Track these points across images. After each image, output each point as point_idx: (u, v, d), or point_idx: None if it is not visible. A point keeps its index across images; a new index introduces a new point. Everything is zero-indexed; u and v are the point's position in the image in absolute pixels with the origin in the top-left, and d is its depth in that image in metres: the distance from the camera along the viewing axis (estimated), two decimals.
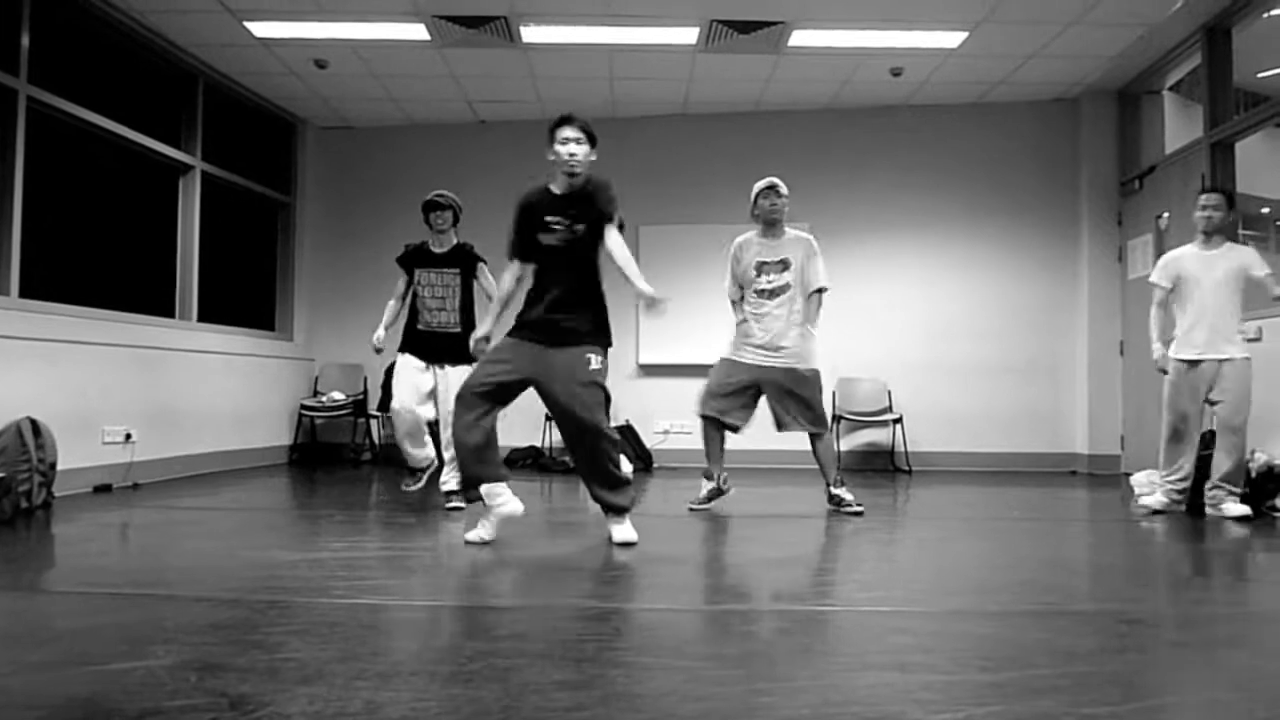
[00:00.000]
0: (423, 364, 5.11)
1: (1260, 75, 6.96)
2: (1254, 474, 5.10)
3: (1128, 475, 6.44)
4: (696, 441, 7.99)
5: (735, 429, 5.07)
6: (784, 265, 5.03)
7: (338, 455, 8.44)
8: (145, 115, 6.60)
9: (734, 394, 5.00)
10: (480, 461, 3.83)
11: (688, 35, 6.55)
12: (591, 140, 3.93)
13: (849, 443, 8.08)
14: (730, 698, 1.96)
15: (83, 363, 5.69)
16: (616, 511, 3.98)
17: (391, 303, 5.33)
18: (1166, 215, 7.04)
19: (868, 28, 6.45)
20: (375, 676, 2.07)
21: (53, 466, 5.01)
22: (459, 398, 3.81)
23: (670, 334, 7.85)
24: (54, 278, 5.85)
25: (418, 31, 6.48)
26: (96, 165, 6.58)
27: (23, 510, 4.67)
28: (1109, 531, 4.82)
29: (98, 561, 3.70)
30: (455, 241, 5.25)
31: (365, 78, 7.45)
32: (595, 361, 3.81)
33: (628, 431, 8.04)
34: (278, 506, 5.60)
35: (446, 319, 5.11)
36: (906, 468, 7.77)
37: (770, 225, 5.13)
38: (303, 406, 8.25)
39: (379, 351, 5.31)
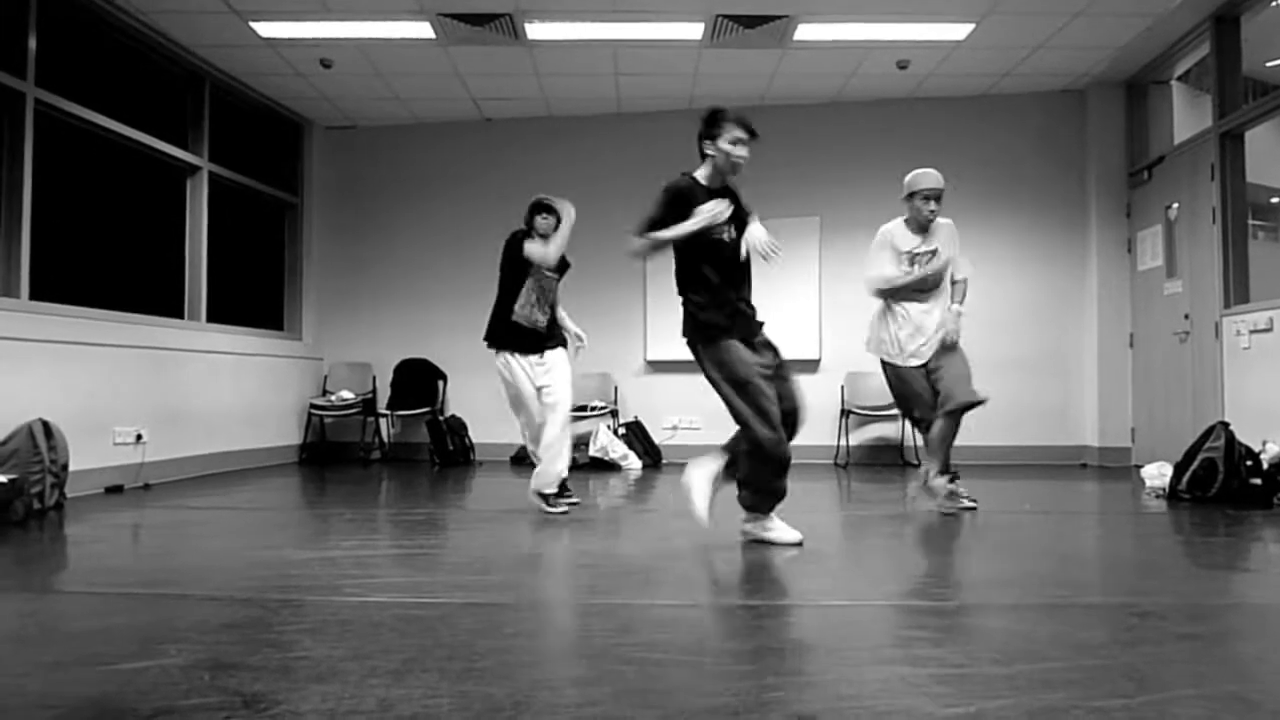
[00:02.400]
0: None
1: (1269, 64, 6.91)
2: (1266, 465, 5.08)
3: (1138, 467, 6.42)
4: (704, 437, 8.04)
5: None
6: None
7: (347, 454, 8.46)
8: (152, 117, 6.62)
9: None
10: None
11: (693, 30, 6.54)
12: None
13: (858, 437, 8.07)
14: (741, 692, 1.96)
15: (93, 364, 5.72)
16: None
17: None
18: (1176, 206, 7.01)
19: (873, 20, 6.43)
20: (387, 674, 2.08)
21: (64, 468, 5.03)
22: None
23: (678, 329, 7.83)
24: (63, 280, 5.88)
25: (423, 30, 6.48)
26: (104, 167, 6.60)
27: (35, 511, 4.69)
28: (1120, 524, 4.80)
29: (110, 562, 3.72)
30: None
31: (371, 77, 7.45)
32: None
33: (636, 428, 8.04)
34: (288, 506, 5.62)
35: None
36: (916, 462, 7.75)
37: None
38: (312, 406, 8.27)
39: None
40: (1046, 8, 6.23)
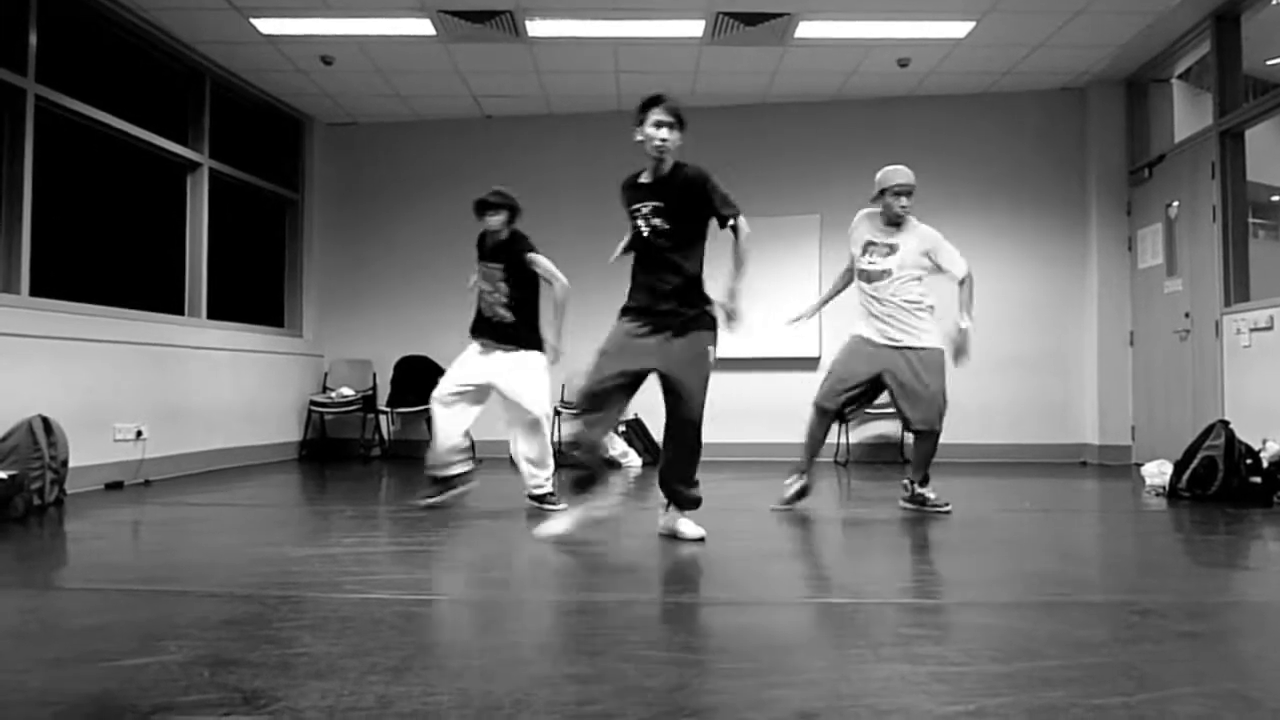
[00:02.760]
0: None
1: (1269, 62, 6.91)
2: (1266, 463, 5.08)
3: (1138, 465, 6.42)
4: (706, 435, 8.00)
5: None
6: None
7: (347, 451, 8.45)
8: (153, 113, 6.62)
9: None
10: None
11: (694, 28, 6.54)
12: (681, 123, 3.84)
13: (858, 435, 8.07)
14: (742, 691, 1.96)
15: (93, 360, 5.72)
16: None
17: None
18: (1176, 204, 7.01)
19: (874, 18, 6.43)
20: (387, 671, 2.08)
21: (64, 464, 5.03)
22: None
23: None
24: (63, 276, 5.88)
25: (423, 27, 6.47)
26: (104, 164, 6.60)
27: (35, 508, 4.69)
28: (1120, 522, 4.81)
29: (110, 558, 3.72)
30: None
31: (371, 73, 7.45)
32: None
33: (637, 426, 8.04)
34: (289, 502, 5.62)
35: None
36: None
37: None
38: (312, 403, 8.27)
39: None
40: (1047, 6, 6.22)
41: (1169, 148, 7.19)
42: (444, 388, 4.86)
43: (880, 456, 8.01)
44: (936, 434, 4.69)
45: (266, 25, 6.47)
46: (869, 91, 7.98)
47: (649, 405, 8.15)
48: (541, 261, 4.91)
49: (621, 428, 7.97)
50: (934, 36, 6.72)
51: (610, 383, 3.69)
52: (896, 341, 4.68)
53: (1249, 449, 5.14)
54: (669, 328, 3.74)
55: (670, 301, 3.76)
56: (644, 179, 3.85)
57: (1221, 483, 5.07)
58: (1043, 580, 3.18)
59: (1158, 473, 5.55)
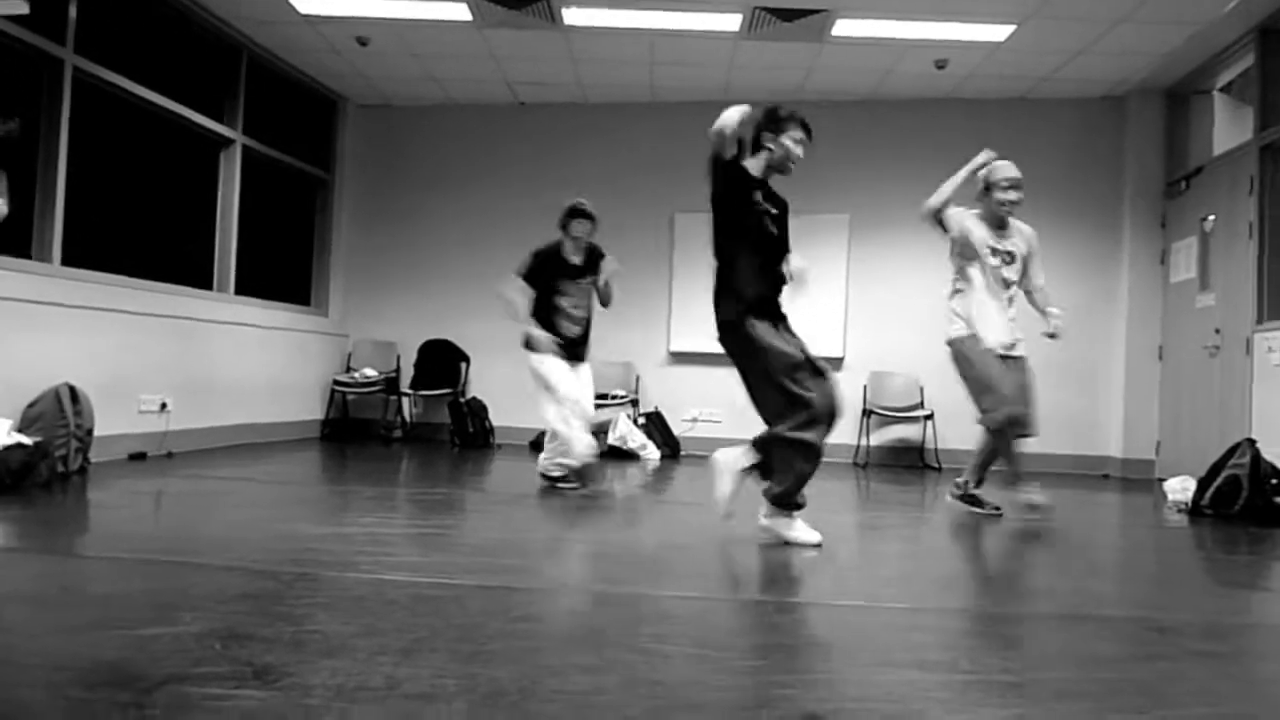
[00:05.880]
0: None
1: None
2: None
3: (1161, 481, 6.34)
4: (724, 430, 8.02)
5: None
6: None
7: (368, 431, 8.51)
8: (188, 88, 6.67)
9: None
10: None
11: (730, 22, 6.50)
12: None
13: (879, 438, 8.03)
14: (750, 688, 1.96)
15: (121, 332, 5.78)
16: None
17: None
18: (1212, 218, 6.90)
19: (913, 18, 6.37)
20: (397, 652, 2.09)
21: (89, 433, 5.09)
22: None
23: (702, 321, 7.82)
24: (95, 247, 5.94)
25: (460, 11, 6.48)
26: (139, 136, 6.66)
27: (59, 475, 4.75)
28: (1140, 537, 4.76)
29: (130, 528, 3.77)
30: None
31: (406, 56, 7.47)
32: None
33: (656, 418, 8.04)
34: (308, 480, 5.66)
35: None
36: (936, 465, 7.70)
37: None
38: (335, 382, 8.33)
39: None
40: (1090, 13, 6.14)
41: (1207, 160, 7.08)
42: (574, 405, 5.00)
43: (900, 460, 7.97)
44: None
45: (304, 4, 6.50)
46: (904, 92, 7.91)
47: (669, 398, 8.17)
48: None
49: (641, 420, 7.98)
50: (973, 39, 6.65)
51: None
52: (1011, 353, 4.72)
53: (1274, 468, 5.06)
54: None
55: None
56: (760, 177, 3.83)
57: (1245, 502, 5.00)
58: (1059, 593, 3.15)
59: (1180, 489, 5.48)
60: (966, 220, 4.73)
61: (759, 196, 3.78)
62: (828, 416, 3.64)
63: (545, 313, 5.08)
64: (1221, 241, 6.76)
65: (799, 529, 3.73)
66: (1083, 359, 7.87)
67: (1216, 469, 5.21)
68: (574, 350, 5.12)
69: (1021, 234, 4.84)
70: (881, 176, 8.07)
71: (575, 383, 5.05)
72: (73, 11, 5.51)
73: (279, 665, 1.96)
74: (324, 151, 8.60)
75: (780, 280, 3.83)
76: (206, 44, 6.97)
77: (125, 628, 2.20)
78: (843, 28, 6.51)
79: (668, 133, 8.25)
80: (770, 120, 3.78)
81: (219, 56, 7.14)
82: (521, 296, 5.08)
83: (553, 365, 5.01)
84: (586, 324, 5.18)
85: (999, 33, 6.51)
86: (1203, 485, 5.25)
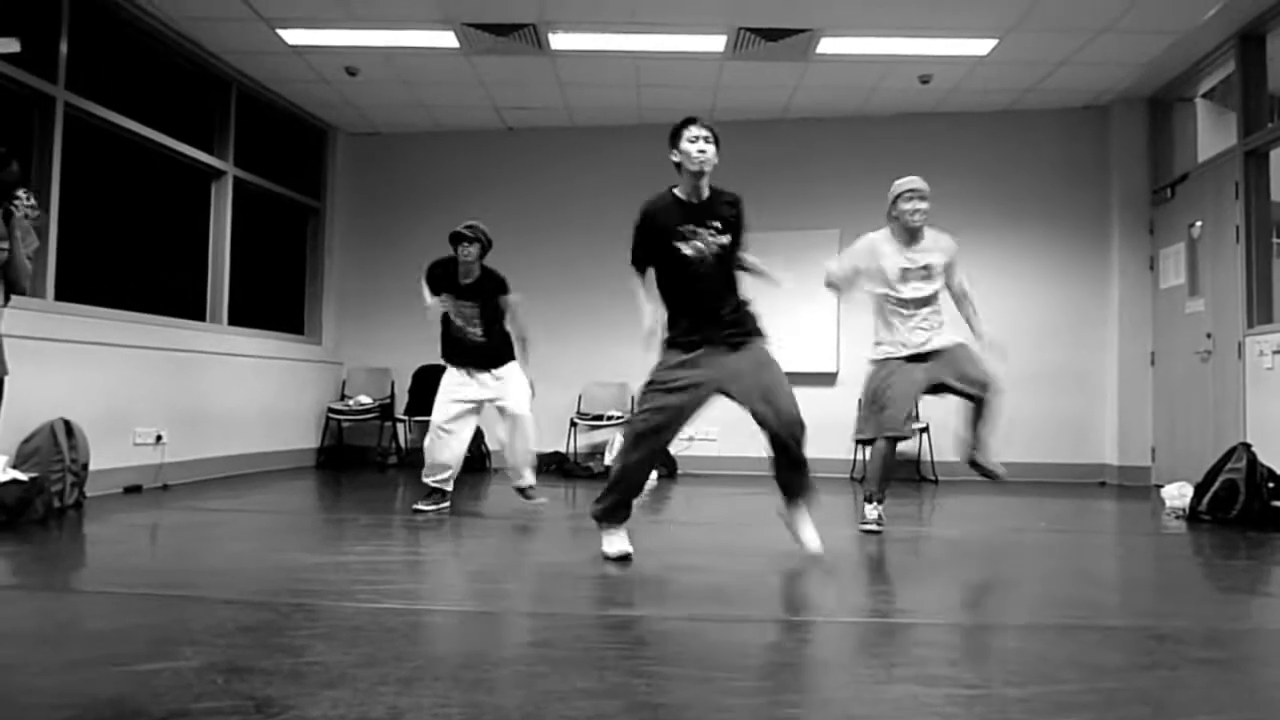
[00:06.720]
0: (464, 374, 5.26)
1: None
2: None
3: (1158, 487, 6.36)
4: (720, 449, 8.02)
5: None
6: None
7: (364, 459, 8.49)
8: (179, 121, 6.69)
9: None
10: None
11: (715, 43, 6.56)
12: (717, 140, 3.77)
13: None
14: (754, 709, 1.96)
15: (115, 365, 5.77)
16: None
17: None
18: (1199, 224, 6.95)
19: (896, 35, 6.42)
20: (398, 681, 2.09)
21: (85, 467, 5.08)
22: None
23: None
24: (88, 281, 5.94)
25: (447, 39, 6.52)
26: (131, 170, 6.67)
27: (55, 510, 4.73)
28: (1139, 545, 4.76)
29: (127, 562, 3.75)
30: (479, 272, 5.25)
31: (395, 84, 7.51)
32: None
33: None
34: (304, 509, 5.65)
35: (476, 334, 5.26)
36: (933, 478, 7.71)
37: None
38: (330, 410, 8.32)
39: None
40: (1070, 25, 6.20)
41: (1192, 167, 7.14)
42: (440, 414, 5.19)
43: (896, 474, 7.95)
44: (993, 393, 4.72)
45: (293, 36, 6.53)
46: (890, 108, 7.97)
47: None
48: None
49: None
50: (956, 54, 6.71)
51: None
52: (929, 347, 4.68)
53: (1271, 472, 5.08)
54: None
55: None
56: (684, 198, 3.80)
57: (1243, 506, 5.02)
58: (1059, 603, 3.15)
59: (1178, 495, 5.49)
60: (878, 244, 4.76)
61: (680, 228, 3.73)
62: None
63: (445, 326, 5.30)
64: (1209, 247, 6.81)
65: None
66: (1075, 367, 7.90)
67: (1213, 474, 5.22)
68: (478, 359, 5.21)
69: (938, 243, 4.84)
70: (870, 192, 8.02)
71: (447, 406, 5.18)
72: (64, 49, 5.54)
73: (280, 698, 1.96)
74: (315, 180, 8.62)
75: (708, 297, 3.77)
76: (196, 77, 7.00)
77: (125, 663, 2.19)
78: (827, 46, 6.56)
79: (655, 154, 8.23)
80: (670, 139, 3.78)
81: (209, 89, 7.17)
82: (433, 296, 5.23)
83: (444, 382, 5.27)
84: (491, 337, 5.23)
85: (982, 47, 6.57)
86: (1200, 491, 5.26)
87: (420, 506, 5.11)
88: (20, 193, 3.51)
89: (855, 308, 8.03)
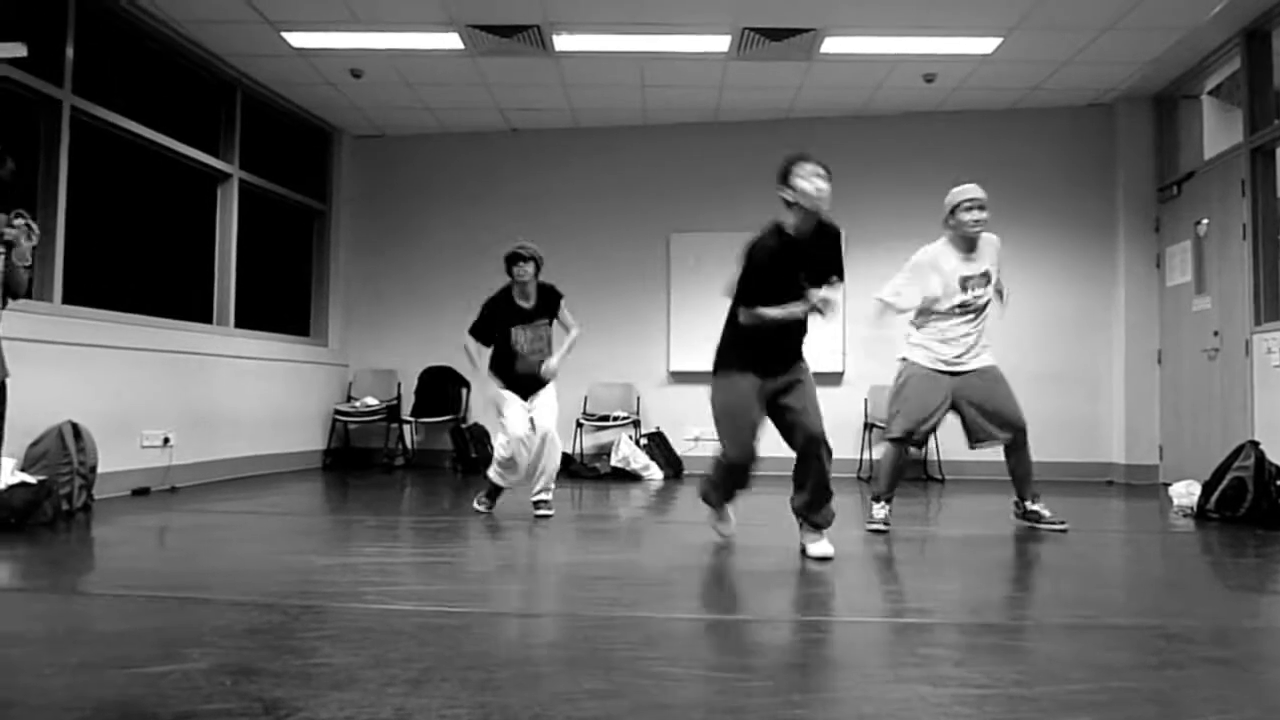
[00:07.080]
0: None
1: None
2: None
3: (1166, 485, 6.34)
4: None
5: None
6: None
7: (371, 460, 8.50)
8: (185, 124, 6.71)
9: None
10: None
11: (719, 43, 6.55)
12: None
13: (882, 451, 8.01)
14: (762, 709, 1.95)
15: (122, 368, 5.79)
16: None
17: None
18: (1205, 222, 6.93)
19: (900, 34, 6.42)
20: (406, 683, 2.09)
21: (93, 469, 5.10)
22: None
23: (702, 340, 7.83)
24: (95, 284, 5.96)
25: (452, 41, 6.53)
26: (137, 173, 6.70)
27: (63, 512, 4.75)
28: (1147, 543, 4.75)
29: (136, 564, 3.76)
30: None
31: (400, 86, 7.52)
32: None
33: (658, 438, 8.03)
34: (312, 511, 5.66)
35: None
36: (940, 477, 7.70)
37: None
38: (336, 412, 8.33)
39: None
40: (1075, 22, 6.19)
41: (1198, 165, 7.12)
42: (521, 428, 5.01)
43: (904, 473, 7.94)
44: (1026, 437, 4.77)
45: (297, 39, 6.55)
46: (895, 107, 7.96)
47: (670, 418, 8.17)
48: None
49: (643, 441, 7.98)
50: (960, 52, 6.70)
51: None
52: (964, 366, 4.73)
53: (1279, 470, 5.06)
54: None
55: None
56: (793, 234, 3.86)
57: (1251, 504, 5.00)
58: (1068, 602, 3.14)
59: (1186, 493, 5.48)
60: (938, 258, 4.73)
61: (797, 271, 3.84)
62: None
63: (502, 355, 5.12)
64: (1216, 245, 6.79)
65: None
66: (1083, 365, 7.89)
67: (1221, 472, 5.21)
68: (530, 386, 5.13)
69: (991, 245, 4.84)
70: (875, 190, 8.10)
71: (524, 419, 5.04)
72: (70, 53, 5.56)
73: (289, 700, 1.96)
74: (320, 183, 8.64)
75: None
76: (202, 80, 7.02)
77: (133, 666, 2.20)
78: (831, 45, 6.56)
79: (661, 154, 8.31)
80: (780, 176, 3.85)
81: (215, 92, 7.19)
82: (478, 351, 5.14)
83: (509, 400, 5.08)
84: (544, 357, 5.18)
85: (986, 45, 6.56)
86: (1208, 489, 5.25)
87: (480, 508, 5.21)
88: (18, 220, 3.50)
89: (860, 307, 8.03)
